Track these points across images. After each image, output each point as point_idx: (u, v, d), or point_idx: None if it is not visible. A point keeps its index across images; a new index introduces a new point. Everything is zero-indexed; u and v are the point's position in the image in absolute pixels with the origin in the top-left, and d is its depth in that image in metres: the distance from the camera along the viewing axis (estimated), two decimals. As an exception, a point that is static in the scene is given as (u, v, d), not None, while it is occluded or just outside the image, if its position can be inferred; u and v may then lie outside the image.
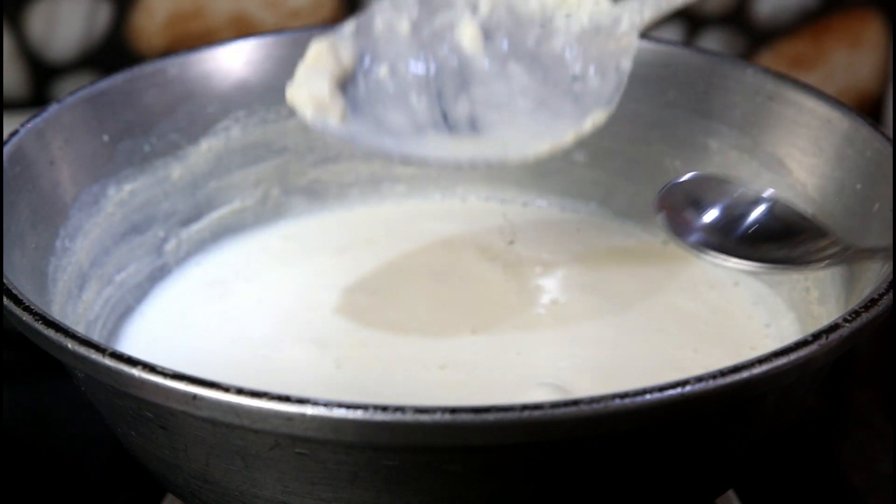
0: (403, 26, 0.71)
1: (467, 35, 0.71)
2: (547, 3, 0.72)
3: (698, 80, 0.76)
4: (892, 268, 0.61)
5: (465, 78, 0.71)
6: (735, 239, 0.63)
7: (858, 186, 0.69)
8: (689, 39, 1.06)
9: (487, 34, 0.72)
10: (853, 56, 1.07)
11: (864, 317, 0.57)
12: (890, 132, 0.70)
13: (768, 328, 0.71)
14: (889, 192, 0.66)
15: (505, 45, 0.72)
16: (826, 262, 0.62)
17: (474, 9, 0.72)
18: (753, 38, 1.06)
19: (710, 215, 0.64)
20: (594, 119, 0.68)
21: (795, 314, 0.71)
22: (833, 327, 0.56)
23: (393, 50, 0.70)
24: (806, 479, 0.76)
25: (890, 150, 0.68)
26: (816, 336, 0.56)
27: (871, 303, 0.58)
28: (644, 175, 0.79)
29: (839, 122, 0.71)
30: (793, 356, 0.55)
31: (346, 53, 0.69)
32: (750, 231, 0.63)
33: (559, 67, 0.71)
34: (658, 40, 0.79)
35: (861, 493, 0.76)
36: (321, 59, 0.69)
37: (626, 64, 0.70)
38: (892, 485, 0.75)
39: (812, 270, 0.62)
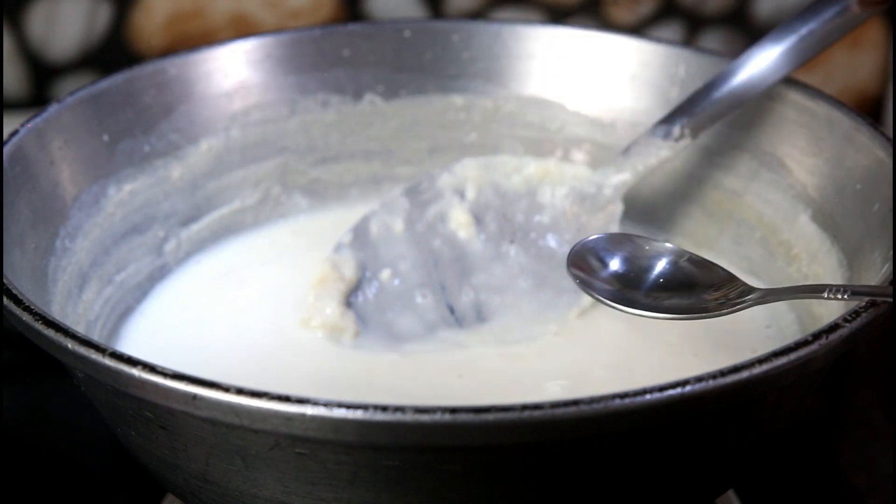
0: (398, 225, 0.74)
1: (459, 222, 0.74)
2: (531, 177, 0.75)
3: (698, 80, 0.76)
4: (892, 268, 0.61)
5: (465, 266, 0.74)
6: (644, 291, 0.65)
7: (858, 186, 0.69)
8: (690, 39, 1.06)
9: (478, 218, 0.75)
10: (853, 56, 1.07)
11: (864, 317, 0.57)
12: (890, 132, 0.70)
13: (768, 329, 0.71)
14: (889, 192, 0.66)
15: (495, 225, 0.75)
16: (737, 306, 0.63)
17: (462, 195, 0.75)
18: (753, 38, 1.06)
19: (620, 270, 0.65)
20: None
21: (795, 314, 0.71)
22: (833, 327, 0.56)
23: (391, 251, 0.73)
24: (806, 479, 0.76)
25: (890, 150, 0.68)
26: (816, 336, 0.56)
27: (871, 303, 0.58)
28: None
29: (839, 122, 0.71)
30: (793, 356, 0.55)
31: (349, 267, 0.72)
32: (659, 282, 0.65)
33: (551, 241, 0.74)
34: (658, 40, 0.79)
35: (861, 493, 0.76)
36: (327, 280, 0.72)
37: (615, 229, 0.73)
38: (892, 485, 0.75)
39: (722, 315, 0.63)
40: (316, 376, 0.68)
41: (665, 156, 0.74)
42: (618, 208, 0.74)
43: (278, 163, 0.80)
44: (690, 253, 0.66)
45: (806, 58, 0.73)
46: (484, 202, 0.75)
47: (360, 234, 0.74)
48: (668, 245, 0.66)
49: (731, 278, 0.65)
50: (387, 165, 0.82)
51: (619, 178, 0.74)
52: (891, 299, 0.57)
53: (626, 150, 0.75)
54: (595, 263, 0.66)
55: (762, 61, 0.73)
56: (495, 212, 0.75)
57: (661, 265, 0.66)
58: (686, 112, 0.74)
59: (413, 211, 0.75)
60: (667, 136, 0.74)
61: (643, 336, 0.70)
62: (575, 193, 0.75)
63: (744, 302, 0.63)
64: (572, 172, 0.76)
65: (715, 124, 0.74)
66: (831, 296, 0.60)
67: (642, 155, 0.74)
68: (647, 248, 0.66)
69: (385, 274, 0.73)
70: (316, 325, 0.71)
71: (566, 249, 0.67)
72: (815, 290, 0.61)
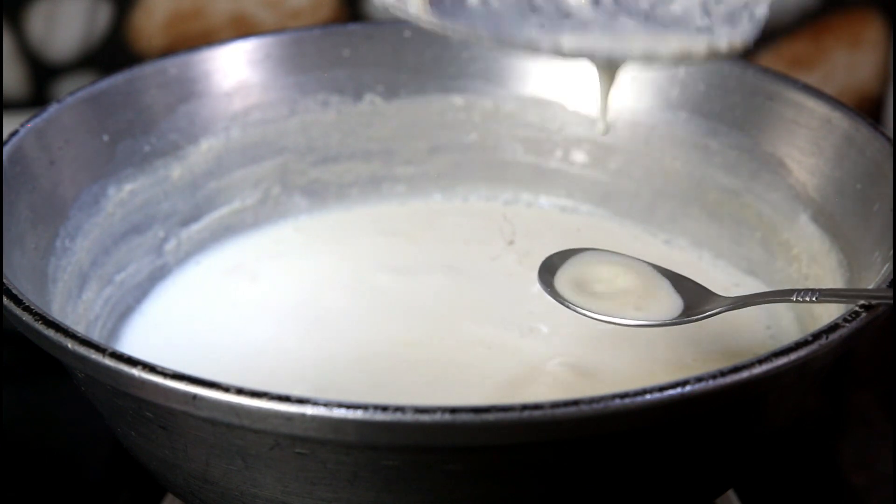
0: None
1: None
2: None
3: (698, 81, 0.76)
4: (891, 268, 0.62)
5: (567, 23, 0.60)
6: None
7: (858, 186, 0.69)
8: (689, 39, 1.05)
9: None
10: (853, 56, 1.07)
11: (864, 317, 0.57)
12: (890, 132, 0.70)
13: (768, 329, 0.71)
14: (889, 192, 0.66)
15: (613, 4, 0.61)
16: (705, 314, 0.64)
17: None
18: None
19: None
20: (731, 43, 0.59)
21: (795, 314, 0.71)
22: (833, 327, 0.56)
23: None
24: (806, 479, 0.76)
25: (890, 150, 0.68)
26: (816, 336, 0.56)
27: (866, 305, 0.58)
28: (644, 175, 0.79)
29: (839, 122, 0.71)
30: (793, 356, 0.55)
31: None
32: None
33: (679, 24, 0.61)
34: (658, 40, 0.79)
35: (861, 493, 0.76)
36: None
37: (762, 10, 0.61)
38: (892, 485, 0.75)
39: (684, 323, 0.65)
40: (316, 376, 0.68)
41: None
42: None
43: (278, 163, 0.80)
44: (659, 266, 0.67)
45: None
46: None
47: None
48: (636, 259, 0.67)
49: (700, 289, 0.66)
50: (387, 165, 0.82)
51: None
52: (860, 302, 0.57)
53: None
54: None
55: None
56: None
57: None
58: None
59: None
60: None
61: (640, 334, 0.70)
62: None
63: (710, 310, 0.64)
64: None
65: None
66: (800, 299, 0.60)
67: None
68: (615, 260, 0.67)
69: None
70: None
71: (696, 29, 0.59)
72: (783, 294, 0.62)
